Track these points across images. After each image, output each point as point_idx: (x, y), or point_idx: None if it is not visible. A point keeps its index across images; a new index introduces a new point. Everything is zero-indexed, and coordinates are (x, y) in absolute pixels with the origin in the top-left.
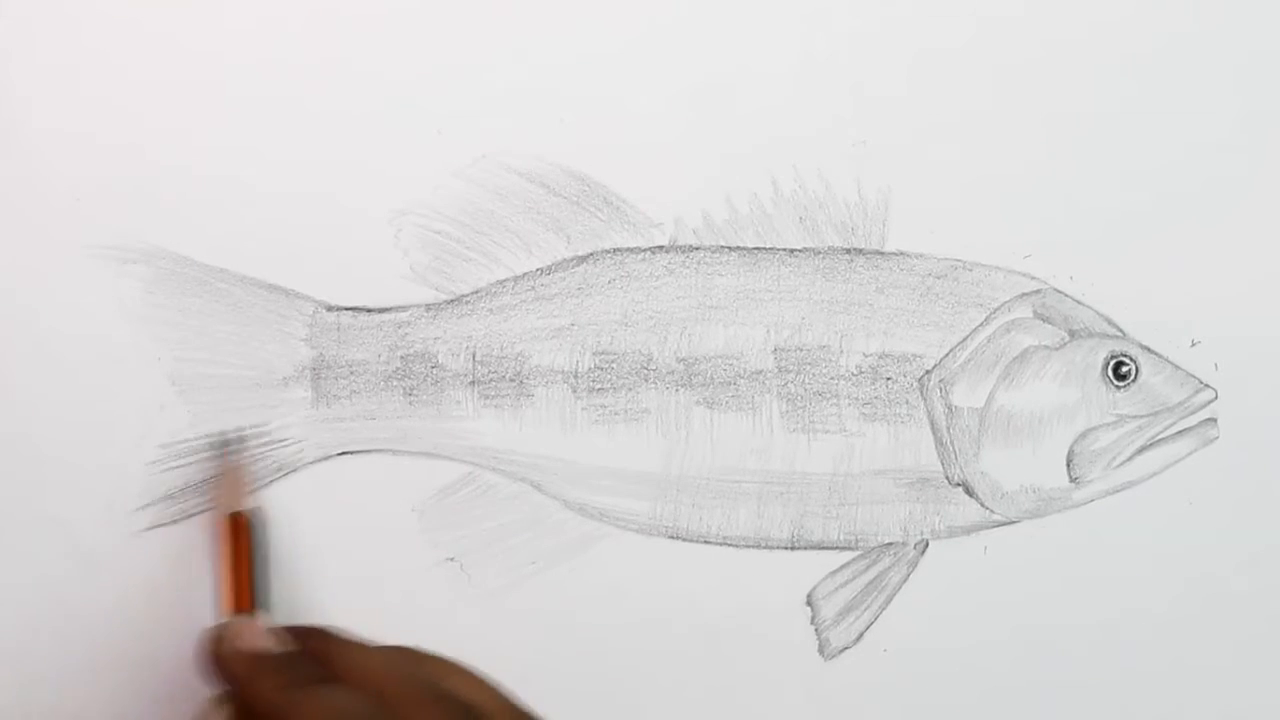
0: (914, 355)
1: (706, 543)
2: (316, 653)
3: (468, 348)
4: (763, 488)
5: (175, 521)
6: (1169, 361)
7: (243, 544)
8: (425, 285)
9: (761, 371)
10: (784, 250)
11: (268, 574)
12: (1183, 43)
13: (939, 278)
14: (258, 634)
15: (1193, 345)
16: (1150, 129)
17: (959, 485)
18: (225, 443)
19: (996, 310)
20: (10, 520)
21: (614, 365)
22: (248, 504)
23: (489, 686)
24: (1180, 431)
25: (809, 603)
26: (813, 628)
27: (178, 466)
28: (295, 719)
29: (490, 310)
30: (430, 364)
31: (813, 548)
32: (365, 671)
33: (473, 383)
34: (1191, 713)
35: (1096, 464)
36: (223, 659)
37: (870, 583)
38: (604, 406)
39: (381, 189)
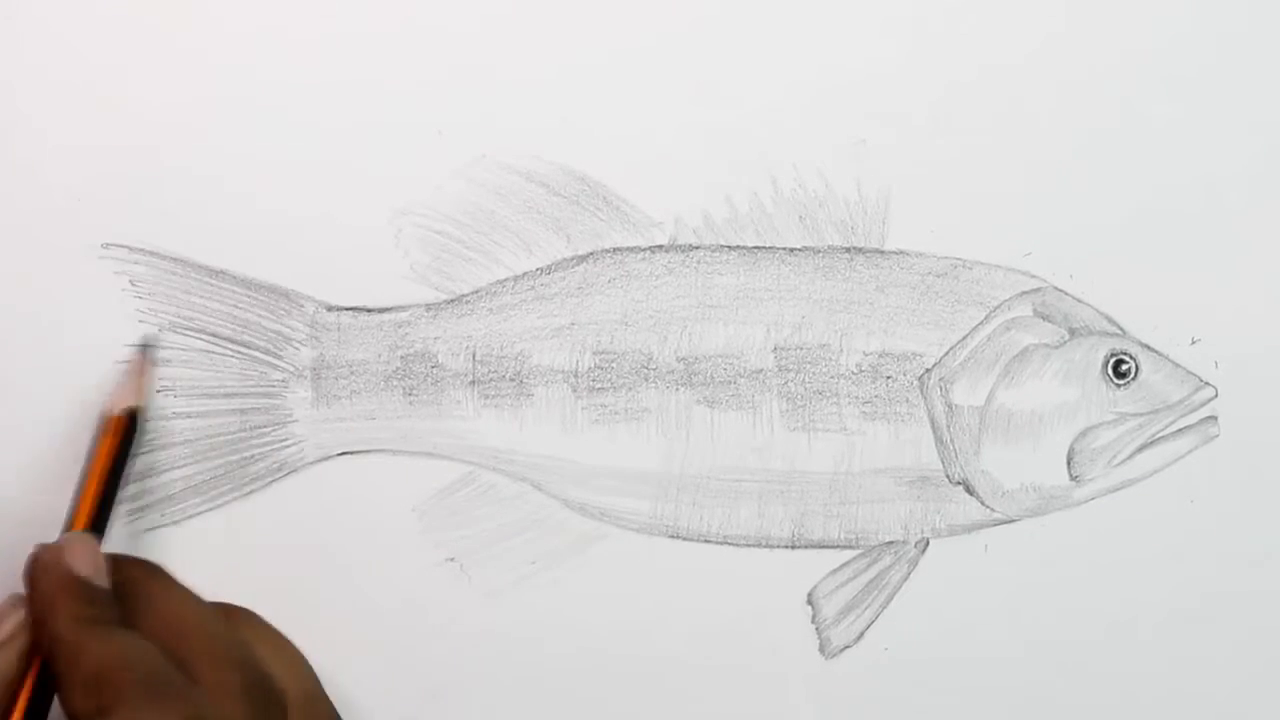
0: (914, 354)
1: (707, 542)
2: (134, 589)
3: (468, 347)
4: (763, 487)
5: (175, 522)
6: (1169, 359)
7: (117, 447)
8: (425, 285)
9: (761, 370)
10: (784, 249)
11: (121, 493)
12: (1181, 40)
13: (939, 276)
14: (85, 556)
15: (1193, 343)
16: (1150, 127)
17: (959, 484)
18: (145, 340)
19: (996, 308)
20: (10, 520)
21: (614, 365)
22: (138, 404)
23: (300, 667)
24: (1181, 429)
25: (809, 602)
26: (813, 627)
27: (178, 467)
28: (79, 656)
29: (490, 310)
30: (430, 364)
31: (813, 546)
32: (174, 619)
33: (473, 382)
34: (1191, 712)
35: (1097, 462)
36: (36, 572)
37: (871, 581)
38: (604, 406)
39: (381, 189)
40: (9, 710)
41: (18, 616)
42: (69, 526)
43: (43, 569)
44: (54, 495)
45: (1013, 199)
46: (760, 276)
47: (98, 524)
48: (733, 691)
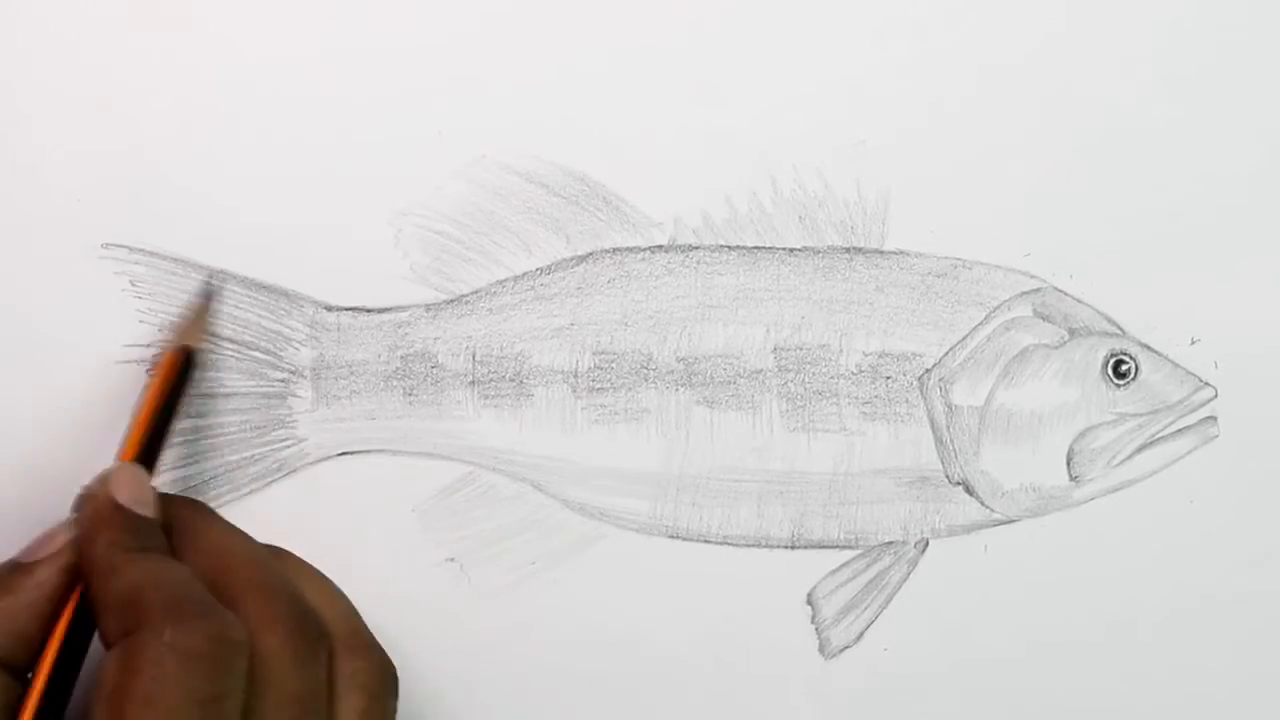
0: (914, 354)
1: (706, 542)
2: (180, 525)
3: (467, 348)
4: (763, 487)
5: None
6: (1169, 359)
7: (173, 383)
8: (425, 285)
9: (761, 371)
10: (783, 249)
11: (173, 431)
12: (1182, 40)
13: (939, 276)
14: (130, 486)
15: (1192, 343)
16: (1150, 128)
17: (959, 484)
18: (208, 282)
19: (996, 309)
20: (10, 520)
21: (614, 365)
22: (198, 343)
23: (342, 603)
24: (1180, 430)
25: (809, 602)
26: (813, 627)
27: (178, 467)
28: (111, 580)
29: (490, 310)
30: (430, 364)
31: (813, 547)
32: (219, 552)
33: (473, 383)
34: (1191, 713)
35: (1096, 462)
36: (82, 501)
37: (870, 582)
38: (604, 406)
39: (381, 189)
40: (49, 634)
41: (65, 536)
42: (118, 459)
43: (87, 497)
44: (53, 496)
45: (1013, 199)
46: (760, 277)
47: (148, 458)
48: (732, 691)
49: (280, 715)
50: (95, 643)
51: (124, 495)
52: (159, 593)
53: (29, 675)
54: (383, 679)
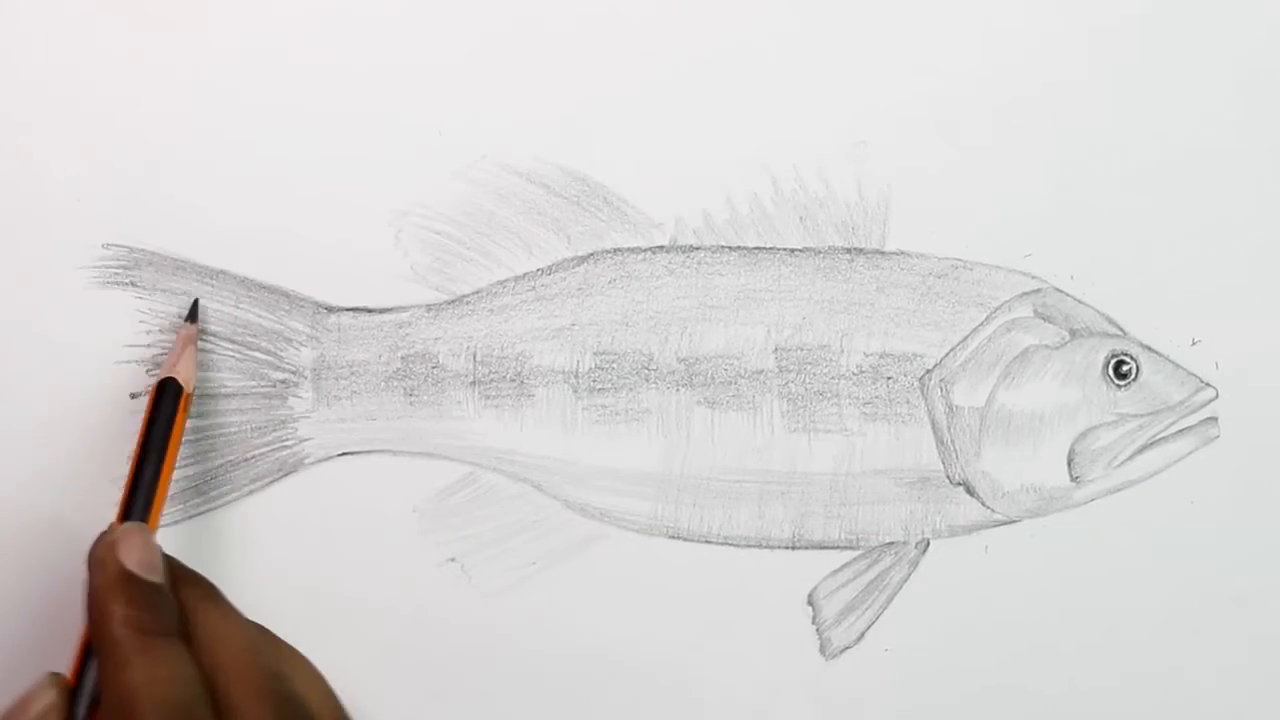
0: (915, 355)
1: (707, 543)
2: (184, 604)
3: (468, 348)
4: (763, 487)
5: (176, 522)
6: (1169, 360)
7: (160, 421)
8: (426, 285)
9: (762, 371)
10: (784, 250)
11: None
12: (1183, 41)
13: (939, 277)
14: (142, 551)
15: (1193, 344)
16: (1151, 128)
17: (960, 485)
18: (191, 309)
19: (997, 309)
20: (10, 520)
21: (615, 365)
22: (188, 380)
23: (324, 689)
24: (1181, 430)
25: (810, 602)
26: (814, 627)
27: (178, 467)
28: (120, 675)
29: (491, 310)
30: (431, 364)
31: (814, 547)
32: (219, 646)
33: (473, 383)
34: (1191, 713)
35: (1097, 463)
36: (91, 568)
37: (871, 582)
38: (605, 406)
39: (381, 189)
40: None
41: (48, 699)
42: (122, 516)
43: (97, 564)
44: (53, 496)
45: (1013, 199)
46: (761, 277)
47: (148, 507)
48: (733, 692)
49: None
50: None
51: (133, 560)
52: (154, 707)
53: None
54: None
